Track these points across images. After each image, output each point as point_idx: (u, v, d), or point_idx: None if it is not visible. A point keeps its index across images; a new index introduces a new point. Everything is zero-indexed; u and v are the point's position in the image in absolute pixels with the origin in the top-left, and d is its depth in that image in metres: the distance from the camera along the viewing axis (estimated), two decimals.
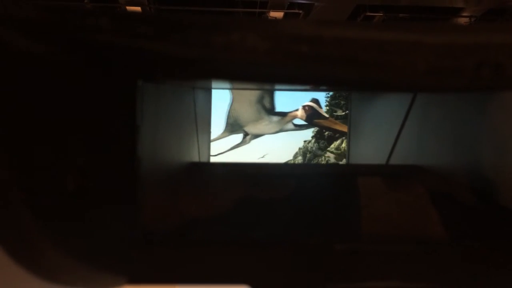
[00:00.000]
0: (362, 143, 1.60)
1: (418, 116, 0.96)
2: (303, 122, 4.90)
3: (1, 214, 0.28)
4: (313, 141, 5.70)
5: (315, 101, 4.82)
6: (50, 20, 0.27)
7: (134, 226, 0.45)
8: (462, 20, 3.74)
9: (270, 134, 4.89)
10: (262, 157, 4.97)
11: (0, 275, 0.31)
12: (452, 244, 0.55)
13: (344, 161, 5.06)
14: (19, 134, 0.28)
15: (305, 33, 0.27)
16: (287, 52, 0.27)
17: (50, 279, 0.32)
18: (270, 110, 4.63)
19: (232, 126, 4.65)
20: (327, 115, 4.82)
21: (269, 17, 3.54)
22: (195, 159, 1.08)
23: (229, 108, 4.57)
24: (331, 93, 5.39)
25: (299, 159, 5.62)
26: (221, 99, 4.56)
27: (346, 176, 0.87)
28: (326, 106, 5.31)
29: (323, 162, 5.38)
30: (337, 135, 5.42)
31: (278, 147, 5.16)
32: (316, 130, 5.48)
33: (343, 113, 5.21)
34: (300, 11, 3.61)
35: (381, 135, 1.27)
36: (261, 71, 0.29)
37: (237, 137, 4.81)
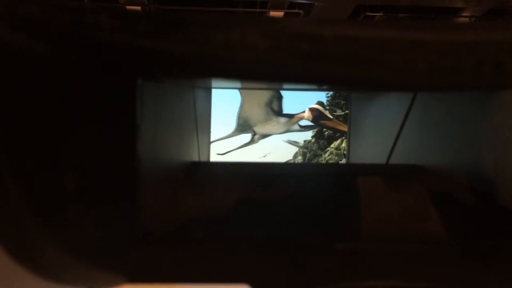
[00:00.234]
0: (362, 143, 1.60)
1: (418, 115, 0.96)
2: (308, 123, 5.11)
3: (1, 213, 0.28)
4: (313, 140, 5.76)
5: (321, 103, 5.10)
6: (49, 18, 0.27)
7: (134, 225, 0.45)
8: (462, 20, 3.74)
9: (277, 134, 5.18)
10: (264, 156, 5.19)
11: None
12: (452, 243, 0.55)
13: (343, 161, 5.11)
14: (18, 133, 0.28)
15: (306, 31, 0.27)
16: (288, 50, 0.26)
17: (50, 278, 0.32)
18: (278, 112, 4.92)
19: (242, 126, 4.96)
20: (331, 117, 5.03)
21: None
22: (195, 158, 1.08)
23: (239, 110, 4.87)
24: (331, 93, 5.46)
25: (299, 159, 5.67)
26: (232, 99, 4.91)
27: (346, 176, 0.87)
28: (327, 106, 5.40)
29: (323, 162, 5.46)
30: (337, 135, 5.53)
31: (278, 147, 5.34)
32: (316, 130, 5.57)
33: (343, 113, 5.27)
34: (300, 11, 3.61)
35: (381, 135, 1.27)
36: (261, 69, 0.29)
37: (246, 137, 5.13)
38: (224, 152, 4.97)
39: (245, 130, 4.99)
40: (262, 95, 4.71)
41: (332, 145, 5.67)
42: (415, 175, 0.85)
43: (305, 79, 0.34)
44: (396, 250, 0.49)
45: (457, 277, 0.44)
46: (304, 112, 5.00)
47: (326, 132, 5.66)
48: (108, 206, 0.41)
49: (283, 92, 4.78)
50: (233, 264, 0.45)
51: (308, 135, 5.69)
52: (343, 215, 0.64)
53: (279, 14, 3.62)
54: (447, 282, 0.43)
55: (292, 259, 0.46)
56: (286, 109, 4.95)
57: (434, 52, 0.27)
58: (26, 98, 0.29)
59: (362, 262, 0.46)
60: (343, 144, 5.46)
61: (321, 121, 5.04)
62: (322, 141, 5.76)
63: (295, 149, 5.73)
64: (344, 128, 5.13)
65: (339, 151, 5.58)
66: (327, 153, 5.66)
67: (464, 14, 3.72)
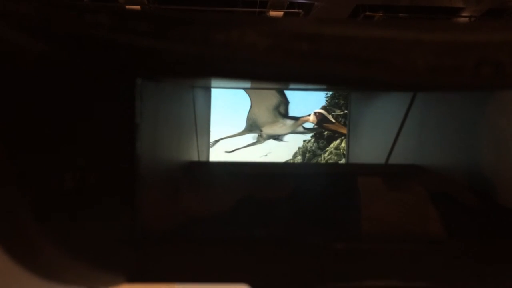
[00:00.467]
0: (361, 143, 1.60)
1: (418, 115, 0.96)
2: (311, 126, 5.52)
3: (0, 213, 0.28)
4: (312, 140, 5.83)
5: (325, 108, 5.47)
6: (48, 17, 0.27)
7: (133, 224, 0.45)
8: (462, 20, 3.74)
9: (283, 135, 5.61)
10: (265, 155, 5.51)
11: None
12: (451, 243, 0.55)
13: (343, 161, 5.17)
14: (17, 133, 0.28)
15: (305, 30, 0.27)
16: (287, 50, 0.26)
17: (49, 278, 0.32)
18: (284, 115, 5.33)
19: (251, 127, 5.42)
20: (334, 121, 5.40)
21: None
22: (195, 158, 1.08)
23: (249, 112, 5.33)
24: (330, 92, 5.53)
25: (299, 159, 5.72)
26: (233, 100, 5.38)
27: (346, 176, 0.87)
28: (326, 105, 5.54)
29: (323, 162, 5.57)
30: (336, 135, 5.70)
31: (278, 146, 5.60)
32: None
33: (342, 113, 5.37)
34: (300, 11, 3.60)
35: (380, 135, 1.27)
36: (260, 69, 0.29)
37: (254, 136, 5.55)
38: (232, 150, 5.38)
39: (253, 130, 5.43)
40: (270, 99, 5.15)
41: (332, 145, 5.75)
42: (414, 175, 0.85)
43: (305, 78, 0.34)
44: (396, 250, 0.49)
45: (457, 277, 0.44)
46: (309, 115, 5.38)
47: (326, 132, 5.75)
48: (107, 205, 0.41)
49: (289, 96, 5.18)
50: (233, 264, 0.45)
51: (308, 135, 5.88)
52: (342, 215, 0.64)
53: (279, 14, 3.62)
54: (446, 282, 0.43)
55: (292, 259, 0.46)
56: (292, 112, 5.37)
57: (434, 52, 0.27)
58: (26, 98, 0.29)
59: (362, 262, 0.46)
60: (343, 144, 5.51)
61: (325, 124, 5.40)
62: (322, 141, 5.82)
63: (295, 149, 5.90)
64: (345, 130, 5.31)
65: (338, 151, 5.65)
66: (327, 153, 5.74)
67: (464, 14, 3.71)
